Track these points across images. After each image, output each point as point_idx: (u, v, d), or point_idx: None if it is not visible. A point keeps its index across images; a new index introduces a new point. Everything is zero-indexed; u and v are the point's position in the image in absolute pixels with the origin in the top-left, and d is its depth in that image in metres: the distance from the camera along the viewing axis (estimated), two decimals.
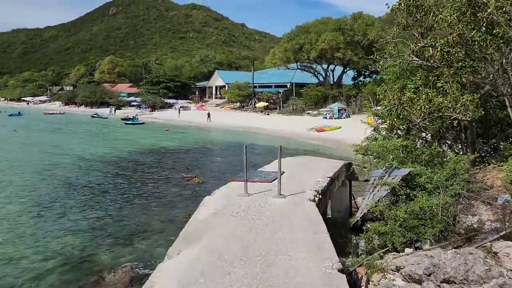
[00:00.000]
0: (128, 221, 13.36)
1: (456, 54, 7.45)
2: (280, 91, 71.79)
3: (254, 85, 75.47)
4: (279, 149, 8.36)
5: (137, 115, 64.20)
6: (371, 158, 8.13)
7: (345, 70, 67.37)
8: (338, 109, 51.61)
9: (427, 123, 6.76)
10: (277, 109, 67.53)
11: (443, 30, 8.16)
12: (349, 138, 32.43)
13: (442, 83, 7.08)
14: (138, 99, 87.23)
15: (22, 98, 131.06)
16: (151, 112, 73.90)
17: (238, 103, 76.46)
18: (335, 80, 68.03)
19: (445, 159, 7.15)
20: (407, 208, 6.48)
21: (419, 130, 8.06)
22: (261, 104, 68.46)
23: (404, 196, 6.79)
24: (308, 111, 60.32)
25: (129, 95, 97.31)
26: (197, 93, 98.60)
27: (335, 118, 49.23)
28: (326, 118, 50.91)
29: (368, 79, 66.22)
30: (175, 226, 11.92)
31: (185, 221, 7.64)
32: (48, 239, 11.73)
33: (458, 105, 6.51)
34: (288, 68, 70.16)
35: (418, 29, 8.78)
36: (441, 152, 7.30)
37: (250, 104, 72.57)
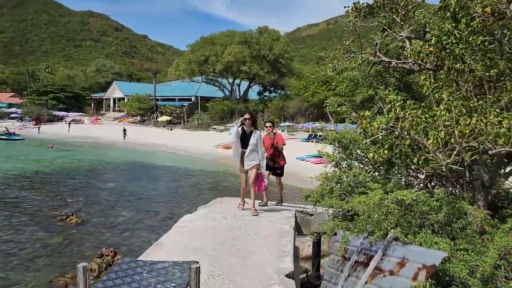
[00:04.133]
0: None
1: (473, 47, 4.73)
2: (184, 104, 67.87)
3: (157, 97, 70.59)
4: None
5: (14, 129, 55.13)
6: (344, 223, 5.02)
7: (251, 85, 66.03)
8: None
9: (442, 156, 3.88)
10: (181, 123, 63.45)
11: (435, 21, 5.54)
12: None
13: (458, 96, 4.29)
14: (19, 110, 76.37)
15: None
16: (36, 126, 64.54)
17: (139, 117, 70.72)
18: (241, 95, 66.27)
19: (467, 220, 4.37)
20: None
21: (416, 168, 5.25)
22: (164, 118, 63.84)
23: None
24: (214, 126, 57.41)
25: (10, 105, 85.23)
26: (92, 105, 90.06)
27: None
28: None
29: (273, 94, 65.73)
30: None
31: None
32: None
33: (503, 130, 3.69)
34: (193, 81, 67.02)
35: (394, 15, 6.05)
36: (462, 209, 4.51)
37: (152, 118, 67.44)
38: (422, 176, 6.40)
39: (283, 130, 46.65)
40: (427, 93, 4.79)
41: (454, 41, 5.05)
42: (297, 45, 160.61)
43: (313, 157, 29.64)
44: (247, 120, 7.38)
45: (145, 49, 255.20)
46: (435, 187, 6.19)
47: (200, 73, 63.92)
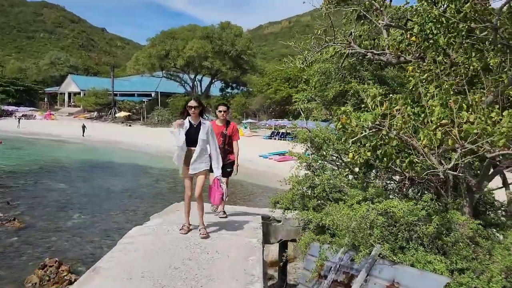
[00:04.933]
0: None
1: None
2: (144, 100, 65.75)
3: (115, 92, 67.96)
4: None
5: None
6: (321, 237, 4.31)
7: (213, 81, 64.93)
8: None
9: (437, 160, 3.30)
10: (140, 119, 61.42)
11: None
12: None
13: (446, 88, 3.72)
14: None
15: None
16: None
17: (96, 112, 67.89)
18: (203, 91, 64.98)
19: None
20: None
21: (396, 171, 4.65)
22: (122, 114, 61.58)
23: None
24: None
25: None
26: (46, 100, 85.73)
27: None
28: None
29: (236, 90, 65.01)
30: None
31: None
32: None
33: (504, 129, 3.14)
34: (153, 76, 65.05)
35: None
36: (453, 220, 3.92)
37: (110, 114, 64.90)
38: (397, 178, 5.89)
39: (245, 127, 45.95)
40: (411, 88, 4.24)
41: (440, 30, 4.50)
42: (259, 42, 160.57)
43: (276, 154, 29.19)
44: (193, 109, 5.76)
45: (103, 43, 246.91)
46: (411, 191, 5.69)
47: (161, 68, 62.14)
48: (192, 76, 64.41)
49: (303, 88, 8.32)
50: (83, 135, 45.41)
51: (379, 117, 3.53)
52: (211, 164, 5.64)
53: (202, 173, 5.58)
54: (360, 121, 3.59)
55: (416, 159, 4.08)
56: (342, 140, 4.23)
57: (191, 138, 5.55)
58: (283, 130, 42.44)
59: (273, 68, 61.52)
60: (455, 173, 3.65)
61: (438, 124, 3.29)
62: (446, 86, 4.26)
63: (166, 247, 4.88)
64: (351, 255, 3.93)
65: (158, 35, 62.27)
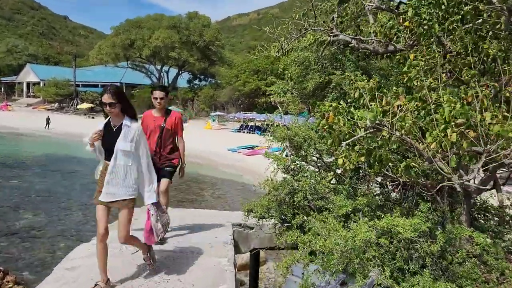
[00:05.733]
0: None
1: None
2: None
3: (77, 83, 65.15)
4: None
5: None
6: (306, 259, 3.61)
7: (180, 72, 63.38)
8: None
9: (447, 167, 2.72)
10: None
11: None
12: (190, 148, 28.14)
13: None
14: None
15: None
16: None
17: (56, 104, 64.92)
18: (169, 82, 63.33)
19: None
20: None
21: (391, 176, 4.01)
22: (85, 105, 59.14)
23: None
24: (140, 115, 54.09)
25: None
26: (2, 89, 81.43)
27: None
28: None
29: (204, 82, 63.76)
30: None
31: None
32: None
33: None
34: (118, 67, 62.80)
35: None
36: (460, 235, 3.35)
37: (72, 105, 62.23)
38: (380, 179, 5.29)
39: (214, 120, 44.95)
40: (406, 80, 3.62)
41: (439, 14, 3.91)
42: (227, 34, 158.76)
43: (245, 148, 28.52)
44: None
45: (66, 31, 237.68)
46: (400, 196, 5.12)
47: (126, 58, 60.05)
48: (159, 67, 62.64)
49: (272, 80, 7.59)
50: (47, 128, 43.05)
51: (380, 114, 2.88)
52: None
53: (123, 205, 3.70)
54: (353, 119, 2.94)
55: (413, 164, 3.48)
56: (329, 143, 3.56)
57: (108, 148, 3.76)
58: (252, 123, 41.80)
59: (242, 60, 60.65)
60: (478, 186, 3.06)
61: (453, 123, 2.68)
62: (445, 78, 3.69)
63: (117, 273, 3.87)
64: (341, 278, 3.30)
65: (123, 24, 60.05)
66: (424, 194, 4.34)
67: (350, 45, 5.10)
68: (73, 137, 38.36)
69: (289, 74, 6.33)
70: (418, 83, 3.46)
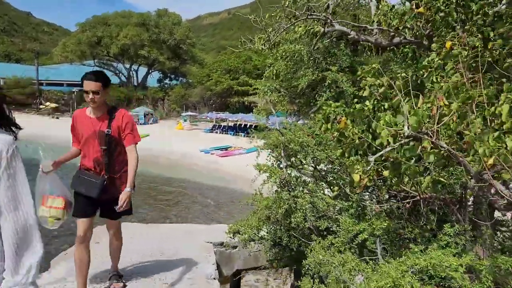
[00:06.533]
0: None
1: None
2: (74, 90, 60.82)
3: (40, 81, 62.29)
4: None
5: None
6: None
7: (150, 71, 61.68)
8: (144, 114, 45.79)
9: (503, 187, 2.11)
10: (70, 111, 56.81)
11: None
12: (161, 149, 27.07)
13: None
14: None
15: None
16: None
17: None
18: (139, 82, 61.54)
19: None
20: None
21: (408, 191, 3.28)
22: (49, 105, 56.63)
23: None
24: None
25: None
26: None
27: (141, 124, 42.69)
28: None
29: (175, 81, 62.31)
30: None
31: None
32: None
33: None
34: (84, 65, 60.33)
35: None
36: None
37: (34, 105, 59.47)
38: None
39: (185, 120, 43.73)
40: (434, 76, 2.96)
41: None
42: (198, 33, 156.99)
43: (219, 149, 27.66)
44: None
45: (29, 28, 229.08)
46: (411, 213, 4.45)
47: (92, 56, 57.84)
48: (128, 66, 60.73)
49: (244, 80, 6.81)
50: None
51: (426, 119, 2.18)
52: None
53: None
54: (386, 124, 2.23)
55: (441, 179, 2.81)
56: (338, 153, 2.83)
57: None
58: (225, 124, 40.91)
59: (211, 60, 59.61)
60: None
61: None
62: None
63: None
64: None
65: (89, 20, 57.86)
66: (440, 209, 3.69)
67: (349, 36, 4.41)
68: (38, 139, 36.52)
69: (275, 71, 5.57)
70: (453, 78, 2.76)
